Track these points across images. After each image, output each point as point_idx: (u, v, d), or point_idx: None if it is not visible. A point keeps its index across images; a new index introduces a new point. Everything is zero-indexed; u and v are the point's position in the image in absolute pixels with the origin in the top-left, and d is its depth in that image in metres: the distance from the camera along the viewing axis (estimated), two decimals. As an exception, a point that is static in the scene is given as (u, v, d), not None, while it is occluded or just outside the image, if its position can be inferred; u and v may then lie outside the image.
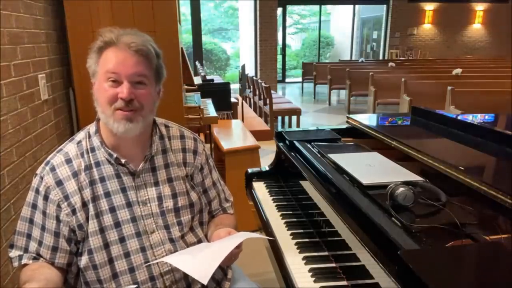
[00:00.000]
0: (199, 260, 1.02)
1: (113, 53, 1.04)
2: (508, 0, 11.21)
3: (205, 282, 0.93)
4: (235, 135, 3.46)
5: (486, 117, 1.77)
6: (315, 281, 1.08)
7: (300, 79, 11.42)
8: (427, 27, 11.78)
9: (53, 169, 1.09)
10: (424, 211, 0.98)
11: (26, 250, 1.09)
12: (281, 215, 1.51)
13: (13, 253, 1.09)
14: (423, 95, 5.38)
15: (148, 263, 1.09)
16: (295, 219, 1.47)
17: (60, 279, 1.07)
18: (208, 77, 6.26)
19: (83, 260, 1.09)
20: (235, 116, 5.29)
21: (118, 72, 1.03)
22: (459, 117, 1.65)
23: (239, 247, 1.09)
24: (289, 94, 10.84)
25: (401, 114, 3.63)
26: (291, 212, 1.53)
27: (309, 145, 1.58)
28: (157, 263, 1.10)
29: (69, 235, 1.08)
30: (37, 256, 1.08)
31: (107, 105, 1.05)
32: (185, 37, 11.36)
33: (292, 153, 1.61)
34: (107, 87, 1.04)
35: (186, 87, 3.28)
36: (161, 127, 1.22)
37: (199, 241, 1.20)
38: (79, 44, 2.13)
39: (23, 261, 1.08)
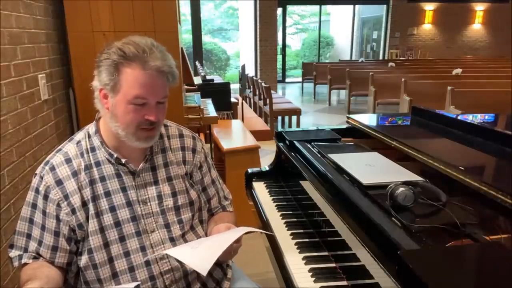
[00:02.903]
0: (199, 252, 1.02)
1: (139, 75, 1.01)
2: (508, 0, 11.21)
3: (204, 274, 0.93)
4: (235, 135, 3.46)
5: (486, 117, 1.76)
6: (315, 281, 1.08)
7: (300, 79, 11.42)
8: (427, 27, 11.78)
9: (52, 168, 1.09)
10: (424, 211, 0.98)
11: (26, 250, 1.09)
12: (281, 215, 1.51)
13: (13, 253, 1.09)
14: (423, 95, 5.38)
15: (147, 257, 1.09)
16: (295, 219, 1.47)
17: (60, 278, 1.07)
18: (208, 77, 6.25)
19: (83, 260, 1.09)
20: (235, 116, 5.29)
21: (148, 98, 1.03)
22: (459, 117, 1.64)
23: (239, 241, 1.09)
24: (289, 94, 10.84)
25: (401, 114, 3.63)
26: (291, 212, 1.53)
27: (309, 145, 1.58)
28: (157, 263, 1.11)
29: (69, 235, 1.08)
30: (37, 256, 1.08)
31: (133, 126, 1.05)
32: (185, 37, 11.36)
33: (292, 153, 1.61)
34: (133, 108, 1.03)
35: (186, 87, 3.29)
36: (160, 126, 1.23)
37: (200, 240, 1.20)
38: (79, 44, 2.13)
39: (23, 261, 1.08)
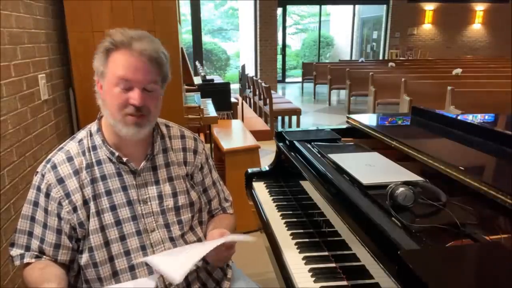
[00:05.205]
0: (177, 260, 1.01)
1: (124, 58, 1.03)
2: (508, 0, 11.21)
3: (175, 282, 0.94)
4: (235, 135, 3.46)
5: (486, 117, 1.76)
6: (315, 281, 1.08)
7: (300, 79, 11.42)
8: (427, 27, 11.78)
9: (54, 167, 1.09)
10: (424, 211, 0.98)
11: (27, 248, 1.09)
12: (281, 215, 1.51)
13: (14, 252, 1.09)
14: (423, 95, 5.38)
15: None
16: (295, 219, 1.47)
17: (66, 277, 1.08)
18: (208, 77, 6.25)
19: (84, 258, 1.09)
20: (235, 116, 5.29)
21: (130, 79, 1.03)
22: (459, 117, 1.64)
23: (232, 247, 1.09)
24: (289, 94, 10.84)
25: (401, 114, 3.63)
26: (291, 212, 1.53)
27: (309, 145, 1.58)
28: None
29: (70, 233, 1.09)
30: (39, 255, 1.08)
31: (118, 110, 1.05)
32: (185, 37, 11.36)
33: (292, 153, 1.61)
34: (118, 92, 1.04)
35: (186, 87, 3.29)
36: (162, 126, 1.23)
37: (199, 241, 1.20)
38: (79, 44, 2.13)
39: (25, 260, 1.08)
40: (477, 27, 11.91)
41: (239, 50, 14.29)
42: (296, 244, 1.29)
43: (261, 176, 1.88)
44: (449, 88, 4.69)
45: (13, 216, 1.60)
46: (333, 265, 1.15)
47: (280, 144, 1.78)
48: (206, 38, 15.25)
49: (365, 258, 0.99)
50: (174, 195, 1.17)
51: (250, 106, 7.42)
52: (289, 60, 14.81)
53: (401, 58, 11.02)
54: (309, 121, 7.02)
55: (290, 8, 14.88)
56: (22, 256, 1.08)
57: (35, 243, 1.09)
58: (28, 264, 1.08)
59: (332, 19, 16.90)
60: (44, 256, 1.09)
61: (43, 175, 1.09)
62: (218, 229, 1.15)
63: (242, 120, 5.34)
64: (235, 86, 8.44)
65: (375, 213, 0.97)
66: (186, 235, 1.18)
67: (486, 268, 0.77)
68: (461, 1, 11.54)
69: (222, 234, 1.11)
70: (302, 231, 1.37)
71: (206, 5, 15.43)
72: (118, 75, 1.03)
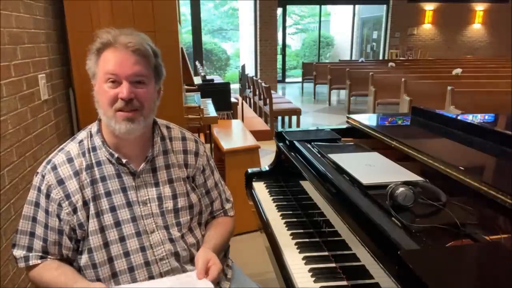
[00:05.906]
0: None
1: (111, 54, 1.05)
2: (508, 0, 11.21)
3: None
4: (235, 135, 3.46)
5: (486, 117, 1.76)
6: (315, 281, 1.08)
7: (300, 79, 11.42)
8: (427, 27, 11.78)
9: (54, 168, 1.09)
10: (424, 211, 0.98)
11: (30, 249, 1.09)
12: (281, 215, 1.51)
13: (18, 253, 1.10)
14: (423, 95, 5.38)
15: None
16: (295, 219, 1.47)
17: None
18: (208, 77, 6.25)
19: (83, 259, 1.09)
20: (235, 116, 5.29)
21: (117, 73, 1.03)
22: (459, 117, 1.64)
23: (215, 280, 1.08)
24: (289, 94, 10.83)
25: (401, 114, 3.63)
26: (291, 212, 1.53)
27: (309, 145, 1.58)
28: (157, 263, 1.11)
29: (69, 234, 1.09)
30: (44, 255, 1.09)
31: (108, 106, 1.05)
32: (185, 37, 11.36)
33: (292, 153, 1.61)
34: (107, 88, 1.04)
35: (186, 87, 3.29)
36: (163, 128, 1.23)
37: (198, 242, 1.20)
38: (79, 44, 2.12)
39: (32, 262, 1.08)
40: (477, 27, 11.91)
41: (239, 50, 14.29)
42: (296, 244, 1.29)
43: (261, 176, 1.88)
44: (449, 88, 4.69)
45: (13, 216, 1.60)
46: (333, 265, 1.15)
47: (280, 144, 1.78)
48: (206, 38, 15.24)
49: (365, 258, 0.99)
50: (174, 197, 1.17)
51: (250, 106, 7.41)
52: (289, 60, 14.81)
53: (401, 58, 11.02)
54: (309, 121, 7.02)
55: (290, 8, 14.89)
56: (26, 258, 1.09)
57: (38, 243, 1.09)
58: (34, 266, 1.09)
59: (332, 19, 16.90)
60: (49, 256, 1.09)
61: (43, 176, 1.09)
62: (203, 255, 1.12)
63: (242, 120, 5.34)
64: (235, 86, 8.44)
65: (375, 213, 0.97)
66: (185, 236, 1.18)
67: (486, 268, 0.77)
68: (461, 1, 11.54)
69: (207, 261, 1.10)
70: (302, 231, 1.37)
71: (206, 5, 15.43)
72: (106, 71, 1.04)
